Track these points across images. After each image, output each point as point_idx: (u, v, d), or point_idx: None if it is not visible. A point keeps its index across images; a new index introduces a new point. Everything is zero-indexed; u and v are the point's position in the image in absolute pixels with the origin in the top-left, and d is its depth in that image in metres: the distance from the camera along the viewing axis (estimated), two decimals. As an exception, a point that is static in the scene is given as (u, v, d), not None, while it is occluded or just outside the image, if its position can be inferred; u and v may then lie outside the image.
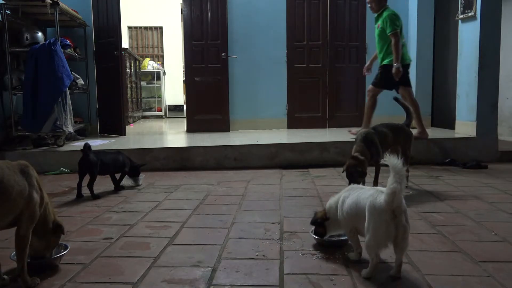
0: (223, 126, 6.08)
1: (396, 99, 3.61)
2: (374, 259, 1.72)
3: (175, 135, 6.13)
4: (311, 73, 6.31)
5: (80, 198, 3.20)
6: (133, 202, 3.08)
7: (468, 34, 4.78)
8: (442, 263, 1.91)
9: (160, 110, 10.25)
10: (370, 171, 3.28)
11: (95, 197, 3.18)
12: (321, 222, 2.02)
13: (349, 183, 2.91)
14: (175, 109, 10.11)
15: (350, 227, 1.90)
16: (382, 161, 1.70)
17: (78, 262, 1.94)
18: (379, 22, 4.58)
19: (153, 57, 10.68)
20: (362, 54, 6.29)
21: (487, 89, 4.64)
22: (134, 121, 8.32)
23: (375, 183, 3.16)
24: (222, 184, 3.66)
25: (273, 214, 2.70)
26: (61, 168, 4.23)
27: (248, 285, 1.71)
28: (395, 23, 4.44)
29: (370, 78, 6.12)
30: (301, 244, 2.14)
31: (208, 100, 6.10)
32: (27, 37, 4.84)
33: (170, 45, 10.50)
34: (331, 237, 2.11)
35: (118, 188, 3.46)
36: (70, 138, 5.03)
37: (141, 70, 9.78)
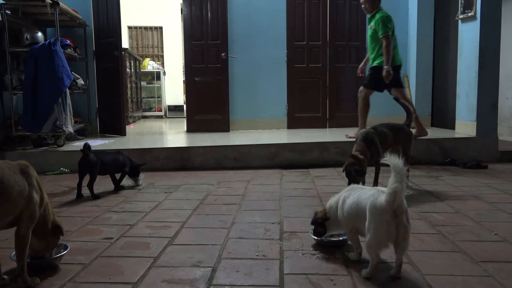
0: (223, 126, 6.08)
1: (396, 99, 3.61)
2: (374, 259, 1.72)
3: (175, 135, 6.13)
4: (311, 73, 6.31)
5: (80, 198, 3.20)
6: (133, 202, 3.08)
7: (468, 34, 4.78)
8: (442, 263, 1.91)
9: (160, 110, 10.25)
10: (370, 171, 3.28)
11: (95, 197, 3.18)
12: (321, 222, 2.02)
13: (348, 182, 2.92)
14: (175, 109, 10.11)
15: (350, 227, 1.90)
16: (383, 161, 1.70)
17: (78, 262, 1.94)
18: (372, 23, 4.59)
19: (153, 57, 10.68)
20: (362, 54, 6.28)
21: (487, 89, 4.64)
22: (134, 121, 8.32)
23: (375, 183, 3.16)
24: (222, 184, 3.66)
25: (273, 214, 2.70)
26: (61, 168, 4.23)
27: (248, 285, 1.71)
28: (387, 25, 4.45)
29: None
30: (301, 244, 2.14)
31: (208, 100, 6.10)
32: (27, 37, 4.84)
33: (170, 45, 10.50)
34: (331, 237, 2.11)
35: (118, 188, 3.46)
36: (70, 138, 5.03)
37: (141, 70, 9.78)
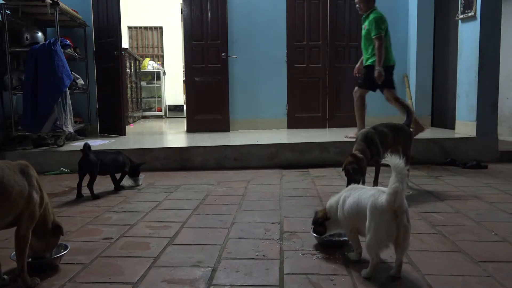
0: (223, 126, 6.08)
1: (396, 99, 3.61)
2: (374, 259, 1.72)
3: (175, 135, 6.13)
4: (311, 73, 6.31)
5: (80, 198, 3.20)
6: (133, 202, 3.08)
7: (468, 34, 4.78)
8: (442, 263, 1.91)
9: (160, 110, 10.25)
10: (370, 171, 3.28)
11: (95, 197, 3.18)
12: (321, 222, 2.01)
13: (347, 181, 2.92)
14: (175, 109, 10.11)
15: (350, 227, 1.90)
16: (383, 161, 1.70)
17: (78, 262, 1.94)
18: (366, 24, 4.61)
19: (153, 57, 10.68)
20: (362, 54, 6.29)
21: (487, 89, 4.64)
22: (134, 121, 8.32)
23: (375, 183, 3.16)
24: (222, 184, 3.66)
25: (273, 214, 2.70)
26: (61, 168, 4.23)
27: (248, 285, 1.71)
28: (380, 26, 4.47)
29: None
30: (301, 244, 2.14)
31: (208, 100, 6.10)
32: (27, 37, 4.84)
33: (170, 45, 10.50)
34: (332, 237, 2.11)
35: (118, 188, 3.46)
36: (70, 138, 5.03)
37: (141, 70, 9.78)
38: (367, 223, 1.72)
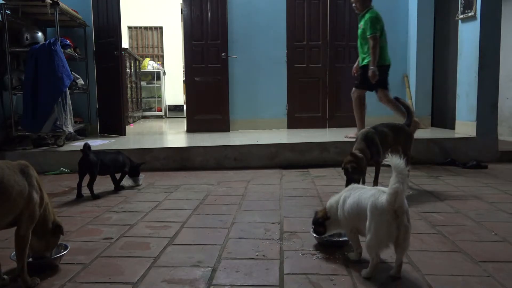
0: (223, 126, 6.08)
1: (396, 98, 3.61)
2: (374, 259, 1.72)
3: (175, 135, 6.13)
4: (311, 73, 6.32)
5: (80, 198, 3.20)
6: (133, 202, 3.08)
7: (468, 34, 4.78)
8: (442, 263, 1.90)
9: (160, 110, 10.25)
10: (370, 171, 3.28)
11: (95, 197, 3.18)
12: (322, 222, 2.01)
13: (346, 180, 2.93)
14: (175, 109, 10.11)
15: (350, 227, 1.89)
16: (384, 162, 1.70)
17: (78, 262, 1.94)
18: (362, 23, 4.61)
19: (153, 57, 10.68)
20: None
21: (487, 89, 4.63)
22: (134, 121, 8.32)
23: (375, 183, 3.16)
24: (222, 184, 3.66)
25: (273, 214, 2.70)
26: (61, 168, 4.23)
27: (248, 285, 1.71)
28: (375, 26, 4.49)
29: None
30: (301, 244, 2.14)
31: (208, 100, 6.10)
32: (27, 37, 4.84)
33: (170, 45, 10.50)
34: (331, 237, 2.11)
35: (118, 188, 3.46)
36: (70, 138, 5.03)
37: (141, 70, 9.78)
38: (367, 223, 1.72)
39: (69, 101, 4.64)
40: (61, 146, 4.59)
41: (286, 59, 6.26)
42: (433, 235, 2.27)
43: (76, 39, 5.74)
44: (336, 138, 4.97)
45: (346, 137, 4.91)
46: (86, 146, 3.17)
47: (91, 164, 3.16)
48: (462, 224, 2.46)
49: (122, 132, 5.65)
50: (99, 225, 2.52)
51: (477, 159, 4.38)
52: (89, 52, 5.90)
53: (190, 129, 6.13)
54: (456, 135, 4.89)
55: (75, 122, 5.28)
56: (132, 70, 8.62)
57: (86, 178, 3.21)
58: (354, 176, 2.92)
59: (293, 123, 6.30)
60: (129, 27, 10.44)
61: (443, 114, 6.12)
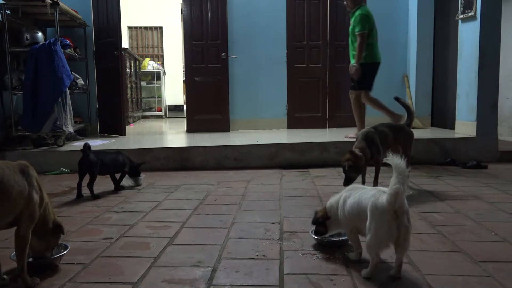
0: (223, 126, 6.08)
1: (397, 98, 3.61)
2: (374, 259, 1.72)
3: (175, 135, 6.13)
4: (311, 73, 6.31)
5: (80, 198, 3.20)
6: (133, 202, 3.08)
7: (468, 34, 4.78)
8: (442, 263, 1.90)
9: (160, 110, 10.25)
10: (370, 170, 3.28)
11: (95, 197, 3.18)
12: (322, 222, 2.01)
13: (345, 178, 2.93)
14: (175, 109, 10.11)
15: (351, 227, 1.89)
16: (385, 160, 1.70)
17: (78, 262, 1.94)
18: (352, 20, 4.65)
19: (153, 57, 10.68)
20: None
21: (487, 89, 4.63)
22: (134, 121, 8.32)
23: (375, 183, 3.16)
24: (222, 184, 3.66)
25: (273, 214, 2.70)
26: (61, 168, 4.23)
27: (248, 285, 1.71)
28: (364, 24, 4.53)
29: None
30: (301, 244, 2.14)
31: (208, 100, 6.10)
32: (27, 37, 4.84)
33: (170, 45, 10.50)
34: (331, 237, 2.11)
35: (118, 188, 3.46)
36: (70, 138, 5.03)
37: (141, 70, 9.78)
38: (367, 223, 1.72)
39: (69, 101, 4.64)
40: (61, 146, 4.59)
41: (286, 59, 6.26)
42: (433, 235, 2.27)
43: (76, 39, 5.74)
44: (336, 138, 4.97)
45: (346, 137, 4.92)
46: (86, 146, 3.17)
47: (91, 164, 3.16)
48: (462, 224, 2.46)
49: (122, 132, 5.65)
50: (99, 225, 2.52)
51: (477, 159, 4.38)
52: (89, 52, 5.90)
53: (190, 129, 6.13)
54: (456, 135, 4.89)
55: (75, 122, 5.28)
56: (132, 70, 8.62)
57: (86, 178, 3.21)
58: (351, 174, 2.94)
59: (293, 123, 6.30)
60: (129, 27, 10.44)
61: (443, 114, 6.11)
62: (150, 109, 10.26)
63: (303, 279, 1.75)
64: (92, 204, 3.02)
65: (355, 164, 2.94)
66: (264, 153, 4.53)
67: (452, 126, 5.32)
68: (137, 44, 10.63)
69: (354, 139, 3.39)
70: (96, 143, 4.79)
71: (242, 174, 4.12)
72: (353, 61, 4.74)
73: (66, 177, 4.00)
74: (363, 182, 3.19)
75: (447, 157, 4.54)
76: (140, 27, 10.56)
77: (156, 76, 10.25)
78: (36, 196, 1.69)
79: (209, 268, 1.87)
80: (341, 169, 3.06)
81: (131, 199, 3.17)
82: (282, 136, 5.52)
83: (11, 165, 1.67)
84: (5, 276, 1.73)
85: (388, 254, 1.88)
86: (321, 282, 1.72)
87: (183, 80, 9.27)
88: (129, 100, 7.99)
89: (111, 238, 2.27)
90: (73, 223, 2.54)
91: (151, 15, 10.29)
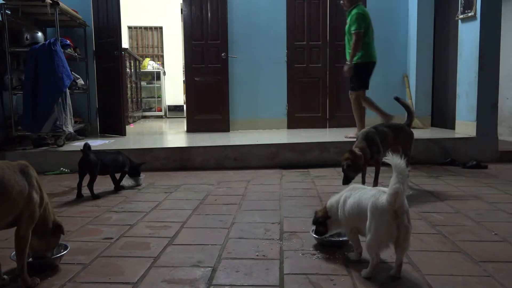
0: (223, 126, 6.08)
1: (397, 98, 3.61)
2: (374, 259, 1.72)
3: (175, 135, 6.13)
4: (311, 73, 6.31)
5: (80, 198, 3.20)
6: (133, 202, 3.08)
7: (468, 34, 4.78)
8: (442, 263, 1.90)
9: (160, 110, 10.25)
10: (370, 171, 3.28)
11: (95, 197, 3.18)
12: (322, 221, 2.01)
13: (344, 177, 2.95)
14: (175, 109, 10.12)
15: (351, 227, 1.89)
16: (384, 159, 1.70)
17: (78, 262, 1.94)
18: (348, 19, 4.67)
19: (153, 57, 10.68)
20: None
21: (487, 89, 4.63)
22: (134, 121, 8.32)
23: (375, 183, 3.16)
24: (222, 184, 3.66)
25: (273, 214, 2.70)
26: (61, 168, 4.23)
27: (248, 285, 1.71)
28: (360, 23, 4.57)
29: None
30: (301, 244, 2.14)
31: (208, 100, 6.10)
32: (27, 37, 4.84)
33: (170, 45, 10.50)
34: (331, 237, 2.11)
35: (118, 188, 3.46)
36: (70, 138, 5.03)
37: (141, 70, 9.78)
38: (367, 223, 1.72)
39: (69, 101, 4.64)
40: (61, 146, 4.59)
41: (286, 59, 6.26)
42: (433, 235, 2.27)
43: (76, 39, 5.74)
44: (336, 138, 4.98)
45: (346, 137, 4.92)
46: (86, 146, 3.17)
47: (91, 164, 3.16)
48: (462, 224, 2.46)
49: (122, 132, 5.65)
50: (99, 225, 2.52)
51: (477, 159, 4.38)
52: (89, 52, 5.90)
53: (190, 129, 6.13)
54: (456, 135, 4.89)
55: (75, 122, 5.28)
56: (132, 70, 8.62)
57: (86, 178, 3.21)
58: (350, 173, 2.96)
59: (293, 123, 6.30)
60: (129, 27, 10.44)
61: (443, 114, 6.11)
62: (150, 109, 10.26)
63: (303, 279, 1.75)
64: (92, 204, 3.02)
65: (354, 164, 2.94)
66: (264, 153, 4.53)
67: (452, 126, 5.32)
68: (137, 44, 10.63)
69: (354, 139, 3.39)
70: (96, 143, 4.79)
71: (242, 174, 4.12)
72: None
73: (66, 177, 4.00)
74: (363, 182, 3.19)
75: (447, 157, 4.54)
76: (140, 27, 10.56)
77: (156, 76, 10.25)
78: (36, 196, 1.69)
79: (209, 268, 1.87)
80: (341, 169, 3.06)
81: (131, 199, 3.17)
82: (282, 136, 5.52)
83: (11, 165, 1.67)
84: (5, 276, 1.73)
85: (388, 254, 1.88)
86: (321, 282, 1.72)
87: (183, 80, 9.27)
88: (129, 100, 7.99)
89: (111, 238, 2.27)
90: (73, 223, 2.54)
91: (151, 15, 10.29)
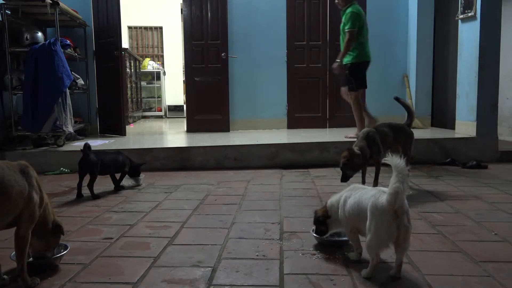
0: (223, 126, 6.08)
1: (397, 98, 3.61)
2: (374, 259, 1.72)
3: (175, 135, 6.13)
4: (311, 73, 6.31)
5: (80, 198, 3.20)
6: (133, 202, 3.08)
7: (468, 34, 4.78)
8: (442, 263, 1.91)
9: (160, 110, 10.25)
10: (370, 170, 3.28)
11: (95, 197, 3.18)
12: (323, 220, 2.01)
13: (342, 174, 2.97)
14: (175, 109, 10.12)
15: (351, 227, 1.89)
16: (384, 160, 1.70)
17: (78, 262, 1.94)
18: (343, 18, 4.69)
19: (153, 57, 10.68)
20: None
21: (487, 89, 4.63)
22: (134, 121, 8.32)
23: (375, 183, 3.16)
24: (222, 184, 3.66)
25: (273, 214, 2.70)
26: (61, 168, 4.23)
27: (248, 285, 1.71)
28: (354, 22, 4.60)
29: (369, 77, 6.13)
30: (301, 244, 2.14)
31: (208, 100, 6.10)
32: (27, 37, 4.84)
33: (170, 45, 10.50)
34: (331, 237, 2.11)
35: (118, 188, 3.46)
36: (70, 138, 5.03)
37: (141, 70, 9.78)
38: (367, 223, 1.72)
39: (69, 101, 4.64)
40: (61, 146, 4.59)
41: (286, 59, 6.26)
42: (433, 235, 2.27)
43: (76, 39, 5.74)
44: (336, 138, 4.98)
45: (346, 137, 4.92)
46: (86, 146, 3.17)
47: (91, 164, 3.16)
48: (462, 224, 2.46)
49: (122, 132, 5.65)
50: (99, 225, 2.52)
51: (477, 159, 4.38)
52: (89, 52, 5.90)
53: (190, 129, 6.13)
54: (456, 135, 4.89)
55: (75, 122, 5.28)
56: (132, 70, 8.62)
57: (86, 178, 3.21)
58: (347, 171, 2.97)
59: (293, 123, 6.30)
60: (129, 27, 10.44)
61: (443, 114, 6.11)
62: (150, 109, 10.26)
63: (303, 279, 1.75)
64: (92, 204, 3.02)
65: (350, 162, 2.96)
66: (264, 153, 4.53)
67: (452, 126, 5.32)
68: (137, 44, 10.63)
69: (355, 139, 3.40)
70: (96, 143, 4.79)
71: (242, 174, 4.12)
72: (345, 60, 4.81)
73: (66, 177, 4.00)
74: (363, 182, 3.20)
75: (447, 157, 4.54)
76: (140, 27, 10.56)
77: (156, 76, 10.25)
78: (36, 197, 1.69)
79: (209, 268, 1.87)
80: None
81: (131, 199, 3.17)
82: (282, 136, 5.52)
83: (12, 165, 1.67)
84: (5, 276, 1.73)
85: (388, 254, 1.88)
86: (321, 282, 1.72)
87: (183, 80, 9.27)
88: (129, 100, 7.99)
89: (111, 238, 2.27)
90: (73, 223, 2.54)
91: (151, 15, 10.29)
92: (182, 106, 9.82)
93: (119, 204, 3.01)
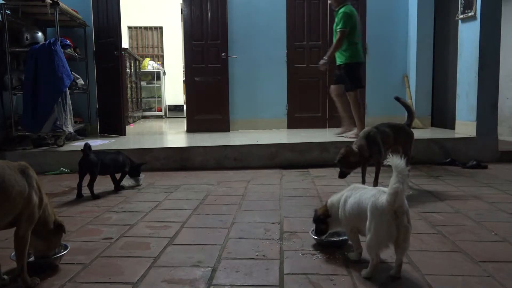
0: (223, 126, 6.08)
1: (397, 98, 3.61)
2: (374, 259, 1.72)
3: (175, 135, 6.13)
4: (311, 73, 6.31)
5: (80, 198, 3.20)
6: (133, 202, 3.08)
7: (468, 34, 4.78)
8: (442, 263, 1.91)
9: (160, 110, 10.25)
10: (370, 170, 3.28)
11: (95, 197, 3.18)
12: (323, 219, 2.01)
13: (339, 171, 2.99)
14: (175, 109, 10.12)
15: (351, 226, 1.89)
16: (385, 162, 1.69)
17: (78, 262, 1.94)
18: (336, 18, 4.72)
19: (153, 57, 10.68)
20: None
21: (487, 89, 4.63)
22: (134, 121, 8.32)
23: (375, 183, 3.16)
24: (222, 184, 3.66)
25: (273, 214, 2.70)
26: (61, 168, 4.23)
27: (248, 285, 1.71)
28: (346, 22, 4.66)
29: (369, 77, 6.14)
30: (301, 244, 2.14)
31: (208, 100, 6.10)
32: (27, 37, 4.84)
33: (170, 45, 10.50)
34: (331, 237, 2.11)
35: (118, 188, 3.46)
36: (70, 138, 5.03)
37: (141, 70, 9.78)
38: (367, 223, 1.72)
39: (69, 101, 4.64)
40: (61, 146, 4.59)
41: (286, 59, 6.26)
42: (433, 235, 2.27)
43: (76, 39, 5.74)
44: (336, 138, 4.98)
45: (346, 137, 4.92)
46: (87, 146, 3.17)
47: (91, 164, 3.16)
48: (462, 224, 2.46)
49: (122, 132, 5.65)
50: (99, 225, 2.52)
51: (477, 159, 4.38)
52: (89, 52, 5.90)
53: (190, 129, 6.13)
54: (456, 135, 4.89)
55: (75, 122, 5.28)
56: (132, 70, 8.62)
57: (86, 178, 3.21)
58: (341, 167, 2.99)
59: (293, 123, 6.30)
60: (129, 27, 10.44)
61: (443, 114, 6.11)
62: (150, 109, 10.27)
63: (303, 279, 1.75)
64: (92, 204, 3.02)
65: (345, 159, 2.97)
66: (264, 153, 4.53)
67: (452, 126, 5.32)
68: (137, 44, 10.63)
69: (355, 139, 3.39)
70: (96, 143, 4.79)
71: (242, 174, 4.12)
72: (338, 60, 4.88)
73: (66, 177, 4.00)
74: (363, 182, 3.19)
75: (447, 157, 4.54)
76: (140, 27, 10.56)
77: (156, 76, 10.25)
78: (35, 197, 1.69)
79: (209, 268, 1.87)
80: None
81: (131, 199, 3.17)
82: (282, 136, 5.52)
83: (12, 165, 1.67)
84: (5, 276, 1.73)
85: (388, 254, 1.88)
86: (321, 282, 1.72)
87: (183, 80, 9.27)
88: (129, 100, 7.99)
89: (111, 238, 2.27)
90: (73, 223, 2.54)
91: (151, 15, 10.30)
92: (182, 106, 9.82)
93: (119, 204, 3.01)
